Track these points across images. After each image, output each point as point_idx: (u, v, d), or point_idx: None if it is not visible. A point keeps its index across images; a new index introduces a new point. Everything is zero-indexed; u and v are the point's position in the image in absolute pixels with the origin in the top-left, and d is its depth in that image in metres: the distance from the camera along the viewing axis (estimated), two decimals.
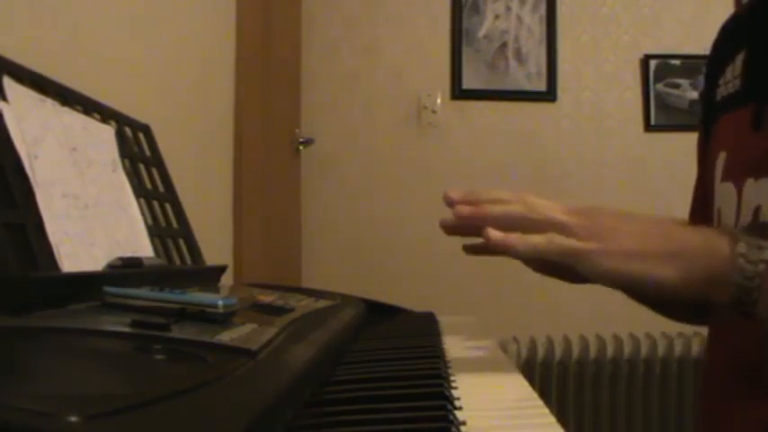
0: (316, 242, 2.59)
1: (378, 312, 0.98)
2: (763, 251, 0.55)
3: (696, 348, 2.44)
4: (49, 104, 0.69)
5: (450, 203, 0.63)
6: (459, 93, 2.66)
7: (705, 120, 0.85)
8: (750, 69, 0.75)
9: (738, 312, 0.56)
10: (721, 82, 0.80)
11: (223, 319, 0.54)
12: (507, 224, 0.60)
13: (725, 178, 0.75)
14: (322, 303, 0.80)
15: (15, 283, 0.51)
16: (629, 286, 0.59)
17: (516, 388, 0.57)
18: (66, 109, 0.73)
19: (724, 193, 0.75)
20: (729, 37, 0.84)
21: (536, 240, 0.57)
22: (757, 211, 0.68)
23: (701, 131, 0.87)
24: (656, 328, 2.48)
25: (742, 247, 0.55)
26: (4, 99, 0.62)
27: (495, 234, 0.56)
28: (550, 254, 0.57)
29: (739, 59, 0.77)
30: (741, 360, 0.71)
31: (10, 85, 0.63)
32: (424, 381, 0.55)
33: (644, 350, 2.45)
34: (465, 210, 0.61)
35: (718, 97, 0.80)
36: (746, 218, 0.70)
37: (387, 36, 2.66)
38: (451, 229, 0.67)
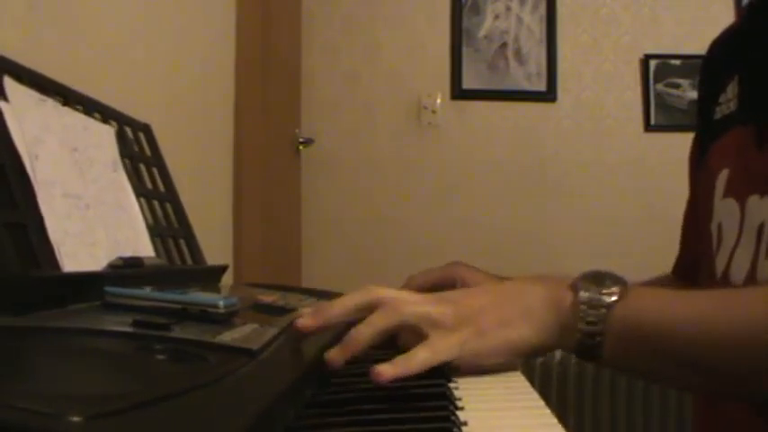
0: (316, 242, 2.59)
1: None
2: (603, 296, 0.57)
3: None
4: (50, 104, 0.69)
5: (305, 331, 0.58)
6: (459, 93, 2.66)
7: (702, 136, 0.85)
8: (746, 90, 0.76)
9: (586, 358, 0.58)
10: (722, 100, 0.80)
11: (224, 320, 0.54)
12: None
13: (727, 194, 0.75)
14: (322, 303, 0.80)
15: (16, 283, 0.51)
16: (502, 356, 0.59)
17: (516, 388, 0.57)
18: (66, 109, 0.73)
19: (725, 208, 0.75)
20: (725, 53, 0.84)
21: (421, 358, 0.55)
22: (761, 227, 0.69)
23: (696, 147, 0.87)
24: None
25: (583, 296, 0.57)
26: (5, 99, 0.62)
27: (386, 375, 0.53)
28: (439, 360, 0.57)
29: (737, 79, 0.77)
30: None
31: (10, 84, 0.63)
32: (425, 381, 0.55)
33: None
34: (338, 356, 0.57)
35: (719, 115, 0.80)
36: (750, 233, 0.70)
37: (387, 36, 2.66)
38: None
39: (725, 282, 0.73)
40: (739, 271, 0.72)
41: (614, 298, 0.57)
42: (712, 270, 0.76)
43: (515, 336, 0.58)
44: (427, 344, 0.56)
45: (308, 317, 0.57)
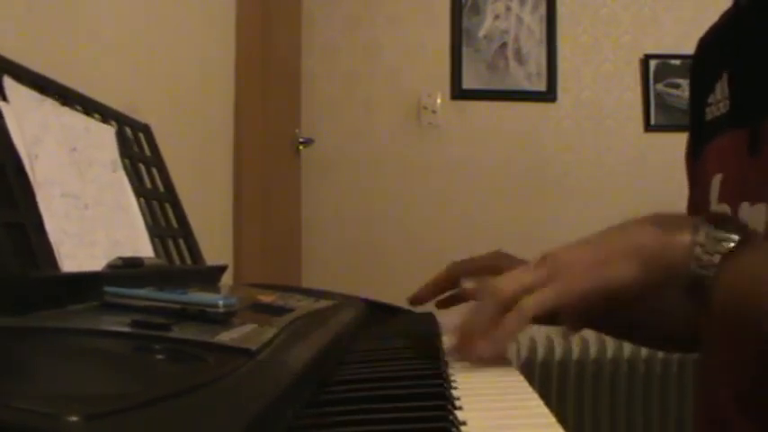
0: (316, 242, 2.59)
1: (378, 312, 0.98)
2: (721, 243, 0.56)
3: None
4: (49, 104, 0.69)
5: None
6: (459, 93, 2.66)
7: (695, 138, 0.85)
8: (737, 93, 0.75)
9: (693, 302, 0.57)
10: (711, 101, 0.79)
11: (223, 320, 0.54)
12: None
13: (721, 200, 0.76)
14: (322, 303, 0.80)
15: (15, 283, 0.51)
16: (601, 299, 0.59)
17: (516, 388, 0.57)
18: (66, 109, 0.73)
19: None
20: (712, 52, 0.84)
21: (512, 324, 0.57)
22: None
23: (690, 149, 0.87)
24: None
25: (701, 237, 0.56)
26: (4, 99, 0.62)
27: (486, 352, 0.57)
28: (529, 319, 0.58)
29: (725, 79, 0.77)
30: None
31: (10, 84, 0.63)
32: (424, 381, 0.55)
33: (644, 350, 2.45)
34: (464, 345, 0.62)
35: (709, 116, 0.80)
36: None
37: (387, 36, 2.66)
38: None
39: None
40: None
41: (732, 244, 0.55)
42: None
43: (614, 274, 0.57)
44: (514, 309, 0.57)
45: (463, 343, 0.61)
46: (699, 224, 0.57)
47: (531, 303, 0.57)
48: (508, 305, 0.58)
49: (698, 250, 0.56)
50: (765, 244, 0.59)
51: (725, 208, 0.74)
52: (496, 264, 0.76)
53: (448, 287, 0.82)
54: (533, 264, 0.61)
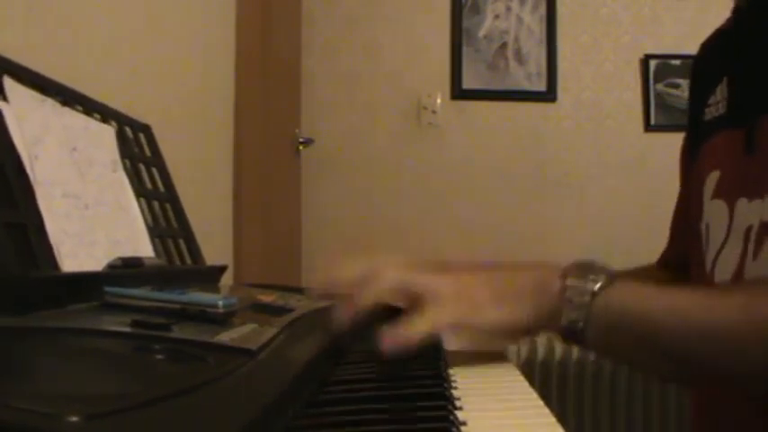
0: (316, 242, 2.59)
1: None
2: (588, 284, 0.60)
3: None
4: (50, 105, 0.69)
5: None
6: (459, 93, 2.66)
7: (693, 138, 0.86)
8: (735, 94, 0.77)
9: (571, 342, 0.61)
10: (711, 102, 0.81)
11: (223, 320, 0.54)
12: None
13: (716, 196, 0.77)
14: (322, 303, 0.80)
15: (15, 283, 0.51)
16: (503, 331, 0.63)
17: (516, 388, 0.57)
18: (66, 109, 0.73)
19: (714, 210, 0.77)
20: (714, 55, 0.85)
21: (422, 329, 0.59)
22: (749, 230, 0.71)
23: (686, 147, 0.89)
24: None
25: (571, 281, 0.60)
26: (5, 99, 0.62)
27: (390, 346, 0.58)
28: (436, 329, 0.61)
29: (725, 82, 0.79)
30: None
31: (10, 84, 0.63)
32: (424, 381, 0.55)
33: None
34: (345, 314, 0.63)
35: (708, 117, 0.82)
36: (737, 235, 0.73)
37: (387, 36, 2.66)
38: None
39: (711, 280, 0.75)
40: (725, 271, 0.74)
41: (598, 286, 0.59)
42: (703, 267, 0.78)
43: (508, 314, 0.61)
44: (426, 316, 0.59)
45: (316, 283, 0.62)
46: (567, 270, 0.61)
47: (441, 318, 0.60)
48: (408, 294, 0.61)
49: (568, 293, 0.60)
50: (629, 281, 0.63)
51: (720, 204, 0.76)
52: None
53: None
54: (438, 274, 0.63)
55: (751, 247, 0.70)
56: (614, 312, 0.59)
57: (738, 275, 0.72)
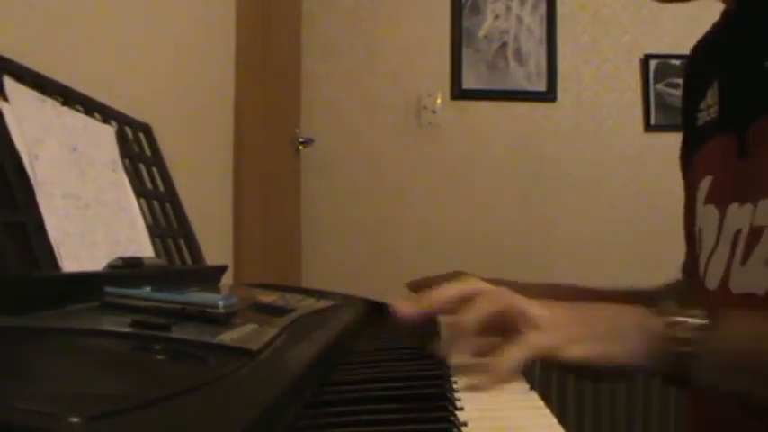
0: (316, 242, 2.59)
1: (378, 312, 0.98)
2: (692, 320, 0.59)
3: None
4: (50, 105, 0.69)
5: (403, 316, 0.61)
6: (459, 93, 2.66)
7: (687, 143, 0.88)
8: (726, 98, 0.77)
9: (675, 382, 0.61)
10: (702, 106, 0.81)
11: (223, 320, 0.54)
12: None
13: (708, 201, 0.78)
14: (322, 303, 0.80)
15: (15, 283, 0.51)
16: (593, 368, 0.61)
17: (517, 388, 0.57)
18: (66, 109, 0.73)
19: (706, 215, 0.77)
20: (704, 60, 0.86)
21: (517, 354, 0.58)
22: (737, 234, 0.71)
23: (683, 153, 0.89)
24: None
25: (673, 320, 0.60)
26: (5, 99, 0.62)
27: (487, 384, 0.56)
28: (532, 357, 0.59)
29: (716, 86, 0.79)
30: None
31: (10, 84, 0.63)
32: (424, 381, 0.55)
33: None
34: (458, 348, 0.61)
35: (701, 122, 0.82)
36: (726, 240, 0.73)
37: (387, 36, 2.66)
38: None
39: (703, 286, 0.75)
40: (714, 276, 0.74)
41: (704, 321, 0.59)
42: (699, 272, 0.79)
43: (606, 350, 0.59)
44: (523, 341, 0.57)
45: (406, 302, 0.59)
46: (661, 311, 0.61)
47: (539, 343, 0.58)
48: (506, 320, 0.59)
49: (675, 330, 0.59)
50: (728, 312, 0.62)
51: (711, 209, 0.76)
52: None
53: None
54: (536, 302, 0.62)
55: (738, 251, 0.70)
56: (729, 344, 0.58)
57: (725, 281, 0.72)
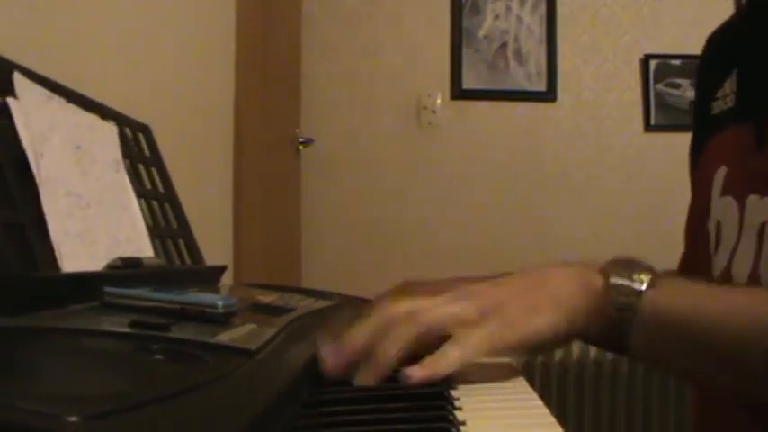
0: (316, 242, 2.59)
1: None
2: (634, 282, 0.56)
3: None
4: (57, 102, 0.69)
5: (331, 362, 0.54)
6: (459, 93, 2.66)
7: (699, 132, 0.84)
8: (744, 88, 0.75)
9: (613, 347, 0.57)
10: (719, 95, 0.79)
11: (223, 320, 0.54)
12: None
13: (725, 192, 0.74)
14: (322, 303, 0.80)
15: (15, 283, 0.51)
16: (533, 346, 0.57)
17: (516, 388, 0.57)
18: (72, 106, 0.73)
19: (724, 207, 0.74)
20: (722, 48, 0.83)
21: (452, 357, 0.53)
22: (763, 227, 0.68)
23: (694, 143, 0.86)
24: None
25: (614, 281, 0.56)
26: (14, 95, 0.62)
27: (417, 376, 0.51)
28: (471, 357, 0.55)
29: (734, 75, 0.76)
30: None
31: (20, 81, 0.63)
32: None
33: None
34: (368, 376, 0.54)
35: (716, 110, 0.79)
36: (750, 233, 0.70)
37: (387, 36, 2.66)
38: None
39: (726, 281, 0.73)
40: (741, 271, 0.71)
41: (645, 286, 0.55)
42: (709, 269, 0.76)
43: (544, 322, 0.56)
44: (455, 341, 0.54)
45: (327, 352, 0.54)
46: (608, 268, 0.57)
47: (473, 340, 0.54)
48: (429, 332, 0.54)
49: (612, 293, 0.56)
50: (676, 279, 0.59)
51: (729, 201, 0.73)
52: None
53: None
54: (454, 294, 0.57)
55: (766, 246, 0.68)
56: (663, 313, 0.55)
57: (754, 276, 0.69)
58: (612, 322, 0.55)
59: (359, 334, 0.55)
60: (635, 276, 0.56)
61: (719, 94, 0.79)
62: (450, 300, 0.57)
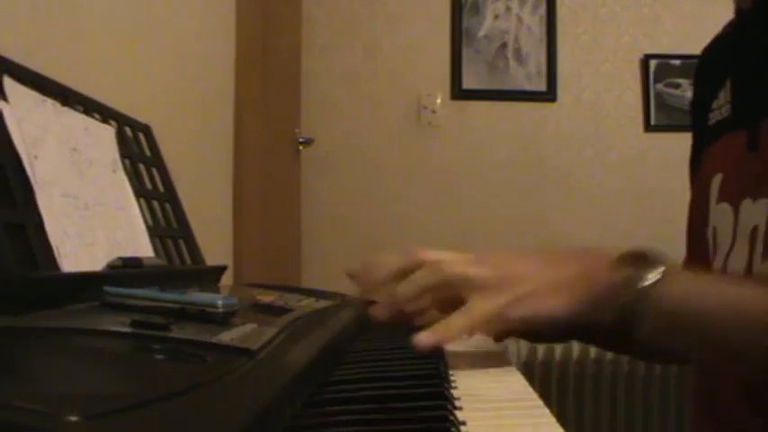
0: (316, 242, 2.59)
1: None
2: (644, 273, 0.56)
3: None
4: (50, 105, 0.69)
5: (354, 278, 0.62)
6: (459, 93, 2.66)
7: (698, 142, 0.85)
8: (738, 96, 0.76)
9: (614, 342, 0.59)
10: (714, 106, 0.80)
11: (223, 320, 0.54)
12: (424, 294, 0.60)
13: (721, 199, 0.76)
14: (322, 303, 0.80)
15: (15, 283, 0.51)
16: (538, 327, 0.60)
17: (516, 388, 0.57)
18: (66, 109, 0.73)
19: (720, 213, 0.75)
20: (716, 60, 0.84)
21: (460, 323, 0.56)
22: (754, 231, 0.69)
23: (693, 155, 0.87)
24: None
25: (619, 275, 0.57)
26: (5, 99, 0.62)
27: (425, 341, 0.55)
28: (478, 326, 0.57)
29: (728, 86, 0.77)
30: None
31: (10, 84, 0.63)
32: (423, 381, 0.55)
33: None
34: (382, 311, 0.61)
35: (712, 121, 0.80)
36: (743, 237, 0.71)
37: (387, 36, 2.66)
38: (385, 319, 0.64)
39: None
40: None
41: (650, 282, 0.56)
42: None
43: (547, 308, 0.57)
44: (465, 310, 0.56)
45: (383, 308, 0.60)
46: (616, 261, 0.58)
47: (481, 310, 0.56)
48: (448, 290, 0.58)
49: (621, 284, 0.56)
50: (685, 272, 0.61)
51: (725, 207, 0.74)
52: None
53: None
54: (480, 257, 0.60)
55: (758, 247, 0.68)
56: (672, 305, 0.55)
57: None
58: (616, 316, 0.56)
59: (385, 269, 0.60)
60: (645, 267, 0.57)
61: (715, 105, 0.80)
62: (474, 261, 0.59)
